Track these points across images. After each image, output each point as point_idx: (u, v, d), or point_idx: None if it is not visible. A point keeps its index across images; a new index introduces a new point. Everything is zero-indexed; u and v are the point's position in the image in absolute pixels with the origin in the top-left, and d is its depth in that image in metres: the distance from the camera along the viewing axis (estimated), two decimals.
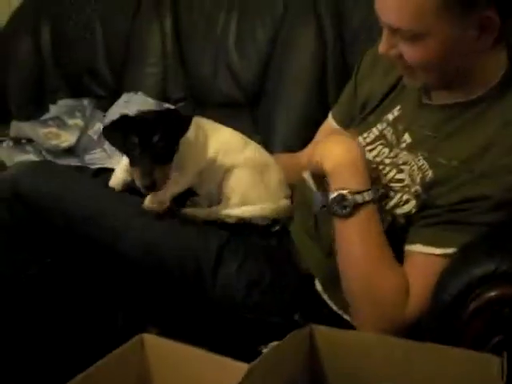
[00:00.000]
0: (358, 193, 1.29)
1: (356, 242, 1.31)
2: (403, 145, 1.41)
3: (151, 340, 1.19)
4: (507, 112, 1.29)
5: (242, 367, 0.99)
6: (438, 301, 1.24)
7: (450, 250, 1.27)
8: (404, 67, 1.33)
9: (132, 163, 1.43)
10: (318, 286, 1.43)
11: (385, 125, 1.47)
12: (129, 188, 1.55)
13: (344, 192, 1.29)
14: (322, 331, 1.15)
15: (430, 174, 1.32)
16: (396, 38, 1.27)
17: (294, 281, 1.45)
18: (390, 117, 1.47)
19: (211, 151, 1.54)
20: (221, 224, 1.52)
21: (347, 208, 1.29)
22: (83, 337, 1.44)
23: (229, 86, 2.46)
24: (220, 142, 1.56)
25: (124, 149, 1.45)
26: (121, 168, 1.59)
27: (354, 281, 1.32)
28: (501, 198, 1.25)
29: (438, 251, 1.28)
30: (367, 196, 1.30)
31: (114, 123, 1.47)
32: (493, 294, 1.17)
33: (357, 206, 1.29)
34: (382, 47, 1.32)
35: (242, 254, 1.45)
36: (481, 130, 1.30)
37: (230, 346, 1.17)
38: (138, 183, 1.42)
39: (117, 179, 1.58)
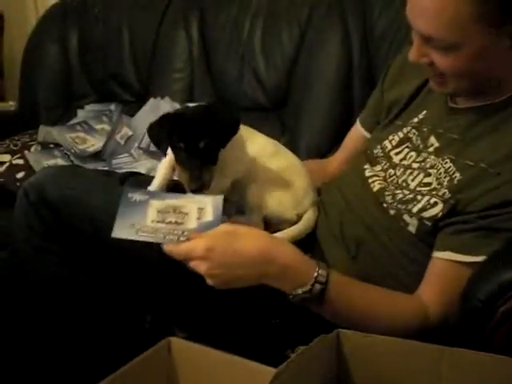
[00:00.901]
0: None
1: (354, 311, 1.29)
2: (431, 149, 1.40)
3: (178, 344, 1.20)
4: None
5: (269, 371, 0.99)
6: (466, 306, 1.23)
7: (479, 258, 1.26)
8: (434, 74, 1.33)
9: (179, 163, 1.42)
10: None
11: (410, 128, 1.47)
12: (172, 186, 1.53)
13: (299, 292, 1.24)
14: (348, 336, 1.15)
15: (457, 176, 1.31)
16: (428, 46, 1.27)
17: None
18: (416, 120, 1.47)
19: (248, 157, 1.52)
20: None
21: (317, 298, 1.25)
22: (112, 340, 1.45)
23: (254, 91, 2.47)
24: (255, 148, 1.53)
25: (170, 150, 1.42)
26: (162, 167, 1.53)
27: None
28: None
29: (468, 259, 1.27)
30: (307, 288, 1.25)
31: (158, 124, 1.43)
32: None
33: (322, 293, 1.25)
34: (412, 55, 1.31)
35: None
36: (508, 133, 1.29)
37: (258, 351, 1.17)
38: (186, 186, 1.41)
39: (158, 181, 1.52)
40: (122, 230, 1.23)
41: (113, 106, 2.67)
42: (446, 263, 1.29)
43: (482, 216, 1.27)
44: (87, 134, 2.52)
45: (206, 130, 1.36)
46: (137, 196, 1.30)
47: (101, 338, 1.45)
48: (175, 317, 1.46)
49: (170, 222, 1.25)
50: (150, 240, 1.23)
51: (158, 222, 1.25)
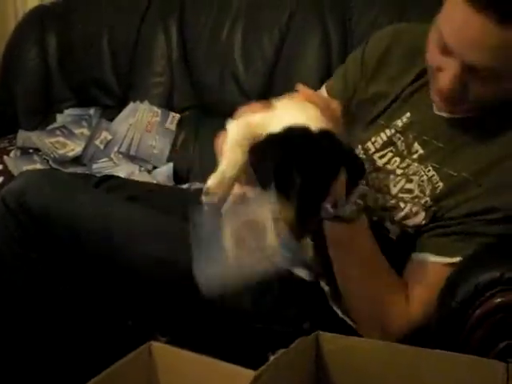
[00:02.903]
0: None
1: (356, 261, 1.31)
2: (415, 156, 1.40)
3: (159, 348, 1.20)
4: None
5: (249, 374, 1.00)
6: (444, 307, 1.25)
7: (457, 259, 1.28)
8: (453, 98, 1.29)
9: (283, 199, 1.12)
10: (325, 287, 1.43)
11: (393, 131, 1.46)
12: None
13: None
14: (328, 338, 1.16)
15: (440, 186, 1.33)
16: (469, 74, 1.23)
17: (303, 288, 1.45)
18: (399, 123, 1.45)
19: None
20: None
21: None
22: (93, 345, 1.44)
23: (235, 95, 2.47)
24: None
25: (276, 185, 1.11)
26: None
27: (356, 299, 1.33)
28: (507, 211, 1.27)
29: (447, 260, 1.29)
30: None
31: (267, 149, 1.14)
32: (499, 300, 1.18)
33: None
34: (452, 83, 1.25)
35: None
36: (493, 144, 1.32)
37: (239, 354, 1.17)
38: (285, 226, 1.12)
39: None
40: (208, 281, 1.14)
41: (92, 111, 2.66)
42: (425, 264, 1.31)
43: (462, 222, 1.30)
44: (67, 138, 2.52)
45: (331, 164, 1.14)
46: (206, 222, 1.17)
47: (82, 342, 1.44)
48: (156, 321, 1.46)
49: (251, 249, 1.14)
50: (240, 283, 1.14)
51: (237, 251, 1.13)
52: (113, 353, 1.19)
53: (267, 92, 2.41)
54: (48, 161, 2.42)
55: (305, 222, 1.11)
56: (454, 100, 1.30)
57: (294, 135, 1.13)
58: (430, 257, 1.31)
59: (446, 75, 1.26)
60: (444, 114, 1.39)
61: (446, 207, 1.32)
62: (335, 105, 1.33)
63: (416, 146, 1.41)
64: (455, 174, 1.32)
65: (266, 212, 1.12)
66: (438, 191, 1.33)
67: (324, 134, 1.15)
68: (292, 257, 1.16)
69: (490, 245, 1.28)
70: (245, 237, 1.14)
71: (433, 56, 1.29)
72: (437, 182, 1.33)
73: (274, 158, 1.11)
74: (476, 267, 1.23)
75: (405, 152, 1.42)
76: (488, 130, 1.33)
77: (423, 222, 1.34)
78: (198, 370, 1.14)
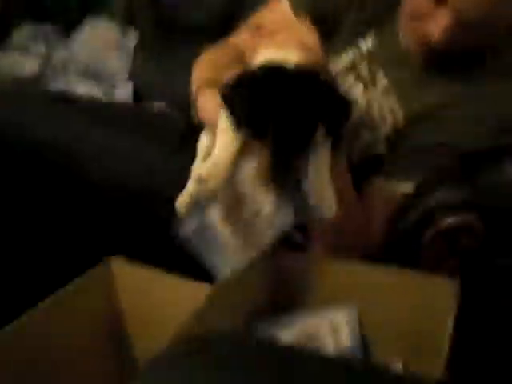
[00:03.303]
0: None
1: None
2: (379, 85, 1.39)
3: (118, 264, 1.22)
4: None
5: (206, 288, 1.02)
6: (398, 227, 1.29)
7: (411, 185, 1.31)
8: (434, 48, 1.26)
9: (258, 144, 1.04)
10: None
11: (357, 54, 1.44)
12: None
13: None
14: (284, 254, 1.20)
15: (401, 116, 1.34)
16: (459, 26, 1.20)
17: None
18: (364, 47, 1.44)
19: None
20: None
21: None
22: (50, 262, 1.44)
23: (195, 10, 2.42)
24: None
25: (250, 124, 1.04)
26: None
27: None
28: (467, 146, 1.29)
29: (399, 186, 1.32)
30: None
31: (240, 88, 1.05)
32: (450, 220, 1.22)
33: None
34: (441, 37, 1.22)
35: None
36: (456, 80, 1.32)
37: (196, 270, 1.19)
38: (262, 173, 1.05)
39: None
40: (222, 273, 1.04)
41: (49, 27, 2.60)
42: (382, 189, 1.33)
43: (417, 152, 1.32)
44: (23, 57, 2.46)
45: (308, 104, 1.03)
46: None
47: (38, 259, 1.45)
48: (115, 238, 1.47)
49: (248, 224, 1.06)
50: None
51: (235, 234, 1.06)
52: (71, 269, 1.20)
53: (229, 5, 2.37)
54: (5, 80, 2.36)
55: (282, 169, 1.03)
56: (433, 49, 1.28)
57: (268, 74, 1.04)
58: (386, 182, 1.33)
59: (436, 27, 1.22)
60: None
61: (405, 137, 1.34)
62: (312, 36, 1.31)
63: (380, 75, 1.40)
64: (418, 108, 1.33)
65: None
66: (399, 122, 1.34)
67: (302, 70, 1.04)
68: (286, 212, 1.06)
69: (441, 171, 1.31)
70: (237, 215, 1.07)
71: (420, 1, 1.25)
72: (398, 114, 1.35)
73: (246, 100, 1.03)
74: (428, 190, 1.27)
75: (368, 80, 1.42)
76: (453, 66, 1.33)
77: (383, 151, 1.36)
78: (157, 284, 1.17)
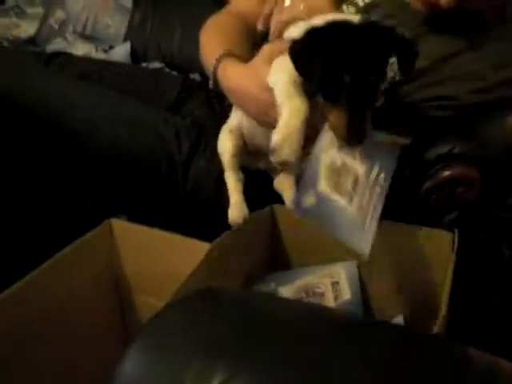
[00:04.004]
0: None
1: None
2: None
3: (119, 225, 1.23)
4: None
5: (206, 246, 1.03)
6: (398, 179, 1.29)
7: (408, 140, 1.31)
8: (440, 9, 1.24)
9: (331, 104, 1.02)
10: None
11: (353, 10, 1.42)
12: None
13: None
14: (282, 210, 1.20)
15: (396, 78, 1.33)
16: None
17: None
18: (360, 2, 1.42)
19: None
20: (193, 121, 1.50)
21: None
22: (52, 223, 1.45)
23: None
24: None
25: (321, 87, 1.02)
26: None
27: None
28: (463, 100, 1.29)
29: (399, 140, 1.32)
30: None
31: (309, 44, 1.02)
32: (447, 173, 1.22)
33: None
34: (454, 3, 1.19)
35: (210, 151, 1.44)
36: (454, 35, 1.31)
37: (196, 230, 1.20)
38: (339, 135, 1.03)
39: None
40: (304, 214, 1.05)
41: None
42: (381, 143, 1.33)
43: (416, 106, 1.32)
44: (20, 19, 2.44)
45: (381, 61, 1.03)
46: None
47: (41, 220, 1.46)
48: (116, 200, 1.47)
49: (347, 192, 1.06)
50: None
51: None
52: (74, 230, 1.22)
53: None
54: (2, 42, 2.35)
55: (359, 124, 1.02)
56: (438, 10, 1.26)
57: (337, 29, 1.01)
58: (385, 136, 1.33)
59: None
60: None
61: (404, 91, 1.33)
62: None
63: None
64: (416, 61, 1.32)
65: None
66: (397, 77, 1.33)
67: (367, 24, 1.03)
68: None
69: (439, 124, 1.31)
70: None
71: None
72: (393, 76, 1.34)
73: (318, 58, 0.99)
74: (426, 143, 1.27)
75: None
76: (451, 21, 1.32)
77: (382, 105, 1.35)
78: (158, 244, 1.18)
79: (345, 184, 1.05)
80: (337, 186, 1.05)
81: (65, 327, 1.11)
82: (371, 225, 1.04)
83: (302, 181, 1.05)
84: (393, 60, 1.08)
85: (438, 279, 1.05)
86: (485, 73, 1.29)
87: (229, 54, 1.26)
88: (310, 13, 1.13)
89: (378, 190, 1.06)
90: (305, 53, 1.01)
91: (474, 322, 1.33)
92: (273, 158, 1.01)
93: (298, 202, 1.03)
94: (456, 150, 1.21)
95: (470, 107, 1.29)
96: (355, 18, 1.04)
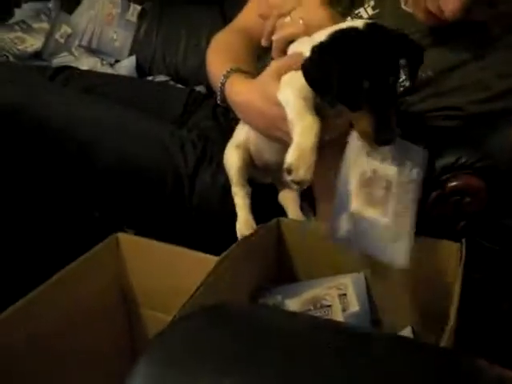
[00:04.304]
0: None
1: None
2: None
3: (126, 239, 1.23)
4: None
5: (213, 260, 1.03)
6: None
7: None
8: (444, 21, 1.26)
9: (354, 110, 1.01)
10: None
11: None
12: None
13: None
14: (288, 223, 1.20)
15: (405, 83, 1.33)
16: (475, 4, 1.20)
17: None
18: (364, 14, 1.43)
19: None
20: (198, 134, 1.51)
21: None
22: (60, 237, 1.46)
23: None
24: None
25: (341, 98, 1.01)
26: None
27: None
28: (469, 110, 1.30)
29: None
30: None
31: (323, 56, 1.01)
32: (453, 183, 1.22)
33: None
34: (455, 12, 1.21)
35: (216, 164, 1.43)
36: (459, 45, 1.32)
37: (202, 244, 1.20)
38: (367, 140, 1.03)
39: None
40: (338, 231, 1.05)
41: (51, 4, 2.58)
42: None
43: (423, 116, 1.33)
44: (26, 33, 2.45)
45: (395, 60, 1.02)
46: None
47: (48, 234, 1.46)
48: (123, 214, 1.47)
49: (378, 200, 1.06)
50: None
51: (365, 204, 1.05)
52: (81, 244, 1.22)
53: None
54: (8, 57, 2.36)
55: (387, 123, 1.01)
56: (442, 21, 1.27)
57: (345, 38, 1.02)
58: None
59: (450, 2, 1.22)
60: (410, 10, 1.37)
61: (408, 102, 1.34)
62: None
63: None
64: (421, 73, 1.32)
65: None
66: (402, 88, 1.34)
67: (372, 27, 1.03)
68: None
69: (444, 135, 1.31)
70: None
71: None
72: (403, 81, 1.34)
73: (333, 70, 0.98)
74: (432, 154, 1.26)
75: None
76: (455, 33, 1.32)
77: None
78: (165, 257, 1.18)
79: (377, 192, 1.05)
80: (369, 198, 1.05)
81: (72, 341, 1.11)
82: (409, 234, 1.04)
83: (334, 207, 1.05)
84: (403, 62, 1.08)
85: (446, 290, 1.05)
86: (490, 82, 1.29)
87: (236, 70, 1.27)
88: (309, 28, 1.13)
89: (412, 186, 1.05)
90: (318, 69, 1.01)
91: (484, 332, 1.32)
92: (289, 179, 1.00)
93: (333, 229, 1.04)
94: (462, 161, 1.21)
95: (475, 117, 1.29)
96: (358, 24, 1.03)
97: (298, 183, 1.00)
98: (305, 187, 1.02)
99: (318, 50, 1.02)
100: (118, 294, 1.25)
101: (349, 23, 1.07)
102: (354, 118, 1.02)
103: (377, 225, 1.04)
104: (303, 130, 1.02)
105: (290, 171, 0.99)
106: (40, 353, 1.03)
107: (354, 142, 1.04)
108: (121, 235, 1.23)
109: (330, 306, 1.11)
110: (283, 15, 1.20)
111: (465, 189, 1.22)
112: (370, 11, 1.42)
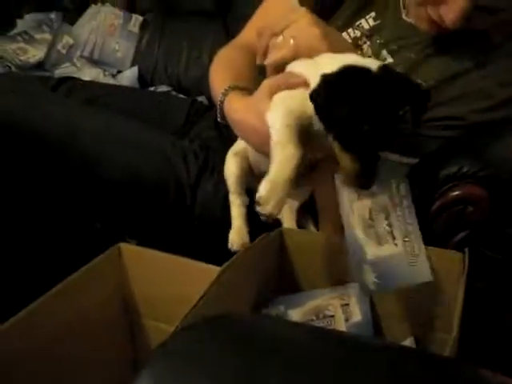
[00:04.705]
0: None
1: None
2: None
3: (128, 249, 1.22)
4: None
5: (215, 270, 1.03)
6: None
7: (414, 160, 1.32)
8: (445, 29, 1.27)
9: (345, 150, 1.02)
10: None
11: (359, 34, 1.43)
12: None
13: None
14: (291, 233, 1.20)
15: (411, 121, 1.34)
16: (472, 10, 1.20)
17: None
18: (365, 25, 1.43)
19: None
20: (200, 145, 1.51)
21: None
22: (61, 248, 1.46)
23: None
24: None
25: (338, 134, 1.02)
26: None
27: None
28: (471, 119, 1.30)
29: (405, 160, 1.32)
30: None
31: (336, 93, 1.01)
32: (456, 193, 1.22)
33: None
34: (455, 21, 1.21)
35: (218, 174, 1.42)
36: (461, 54, 1.32)
37: (205, 253, 1.20)
38: (350, 181, 1.05)
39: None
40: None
41: (53, 15, 2.60)
42: (387, 163, 1.33)
43: (424, 126, 1.32)
44: (28, 44, 2.46)
45: (398, 110, 1.02)
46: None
47: (50, 245, 1.46)
48: (125, 224, 1.48)
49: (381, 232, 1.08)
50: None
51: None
52: (83, 255, 1.21)
53: None
54: (10, 68, 2.37)
55: (371, 170, 1.02)
56: (444, 30, 1.27)
57: (357, 78, 1.01)
58: (390, 155, 1.34)
59: (450, 11, 1.21)
60: (411, 20, 1.37)
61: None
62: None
63: (384, 53, 1.39)
64: (423, 83, 1.32)
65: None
66: (408, 126, 1.34)
67: (384, 69, 1.03)
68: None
69: (447, 144, 1.31)
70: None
71: None
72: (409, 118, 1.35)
73: (342, 107, 0.99)
74: (434, 163, 1.27)
75: (372, 58, 1.40)
76: (456, 42, 1.33)
77: None
78: (167, 268, 1.17)
79: (381, 226, 1.07)
80: (377, 237, 1.07)
81: (74, 352, 1.10)
82: (420, 246, 1.07)
83: (352, 265, 1.08)
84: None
85: (449, 299, 1.04)
86: (491, 91, 1.30)
87: (234, 88, 1.28)
88: (300, 48, 1.14)
89: (406, 203, 1.09)
90: (327, 104, 1.01)
91: (487, 341, 1.32)
92: (257, 209, 1.00)
93: (362, 285, 1.06)
94: (464, 170, 1.21)
95: (477, 126, 1.29)
96: (374, 64, 1.03)
97: (265, 216, 1.00)
98: (271, 221, 1.02)
99: (328, 82, 1.01)
100: (120, 305, 1.24)
101: (360, 60, 1.07)
102: (340, 156, 1.02)
103: (394, 258, 1.05)
104: (281, 161, 1.01)
105: (259, 203, 0.99)
106: (41, 363, 1.03)
107: (343, 189, 1.07)
108: (123, 245, 1.23)
109: (332, 316, 1.11)
110: (276, 34, 1.20)
111: (467, 198, 1.22)
112: (372, 22, 1.42)
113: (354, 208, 1.07)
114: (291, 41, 1.17)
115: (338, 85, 1.01)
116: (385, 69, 1.03)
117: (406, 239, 1.07)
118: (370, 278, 1.04)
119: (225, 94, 1.28)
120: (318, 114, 1.02)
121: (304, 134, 1.05)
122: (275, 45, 1.21)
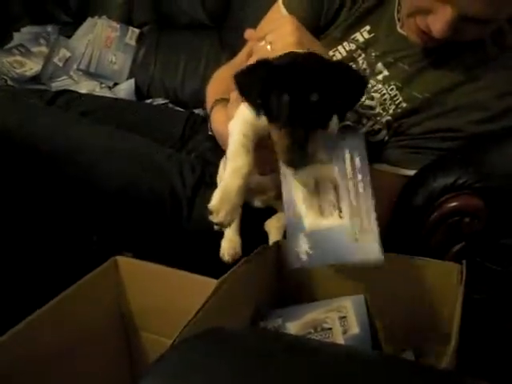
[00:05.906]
0: None
1: None
2: (379, 76, 1.39)
3: (125, 262, 1.23)
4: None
5: (212, 283, 1.02)
6: (402, 212, 1.29)
7: (412, 172, 1.32)
8: (436, 41, 1.28)
9: (274, 125, 1.03)
10: None
11: (354, 47, 1.44)
12: None
13: None
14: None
15: (403, 105, 1.35)
16: (460, 21, 1.21)
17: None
18: (360, 38, 1.43)
19: None
20: (197, 157, 1.51)
21: None
22: (58, 261, 1.45)
23: (193, 7, 2.41)
24: None
25: (264, 108, 1.04)
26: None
27: None
28: (468, 130, 1.30)
29: (402, 172, 1.32)
30: None
31: (252, 69, 1.06)
32: (453, 204, 1.22)
33: None
34: (442, 31, 1.22)
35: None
36: (456, 67, 1.33)
37: (202, 266, 1.20)
38: (282, 160, 1.05)
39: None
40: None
41: (50, 28, 2.60)
42: (382, 174, 1.33)
43: (420, 138, 1.34)
44: (25, 57, 2.46)
45: (322, 80, 1.01)
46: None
47: (48, 258, 1.46)
48: (121, 237, 1.47)
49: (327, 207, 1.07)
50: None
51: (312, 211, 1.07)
52: (80, 268, 1.21)
53: (226, 3, 2.37)
54: (6, 80, 2.37)
55: (300, 145, 1.01)
56: (434, 41, 1.28)
57: (284, 58, 1.05)
58: (387, 168, 1.34)
59: (437, 21, 1.22)
60: (406, 34, 1.37)
61: (407, 124, 1.35)
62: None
63: (380, 66, 1.40)
64: (418, 96, 1.34)
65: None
66: (400, 110, 1.35)
67: (314, 55, 1.06)
68: None
69: (443, 155, 1.32)
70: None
71: None
72: (400, 102, 1.35)
73: (258, 78, 1.03)
74: (431, 174, 1.27)
75: (367, 71, 1.41)
76: (452, 53, 1.33)
77: (386, 139, 1.37)
78: (164, 280, 1.17)
79: (327, 199, 1.06)
80: (320, 210, 1.06)
81: (71, 364, 1.10)
82: (371, 223, 1.03)
83: (287, 236, 1.08)
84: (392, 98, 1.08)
85: (447, 311, 1.04)
86: (487, 103, 1.30)
87: (221, 100, 1.30)
88: (276, 54, 1.13)
89: (360, 176, 1.06)
90: (246, 74, 1.05)
91: (485, 353, 1.32)
92: (209, 218, 1.03)
93: (294, 256, 1.06)
94: (461, 181, 1.21)
95: (475, 138, 1.29)
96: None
97: (217, 224, 1.04)
98: (224, 230, 1.09)
99: (251, 65, 1.07)
100: (117, 317, 1.24)
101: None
102: (275, 138, 1.03)
103: (334, 230, 1.04)
104: (233, 171, 1.04)
105: (211, 212, 1.02)
106: (39, 376, 1.03)
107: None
108: (119, 258, 1.23)
109: (330, 328, 1.11)
110: (261, 39, 1.21)
111: (464, 209, 1.22)
112: (366, 35, 1.43)
113: (296, 182, 1.07)
114: (268, 46, 1.17)
115: (261, 64, 1.04)
116: (315, 55, 1.06)
117: (355, 213, 1.04)
118: (304, 248, 1.04)
119: (212, 108, 1.31)
120: (237, 87, 1.06)
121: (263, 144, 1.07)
122: (256, 50, 1.22)
